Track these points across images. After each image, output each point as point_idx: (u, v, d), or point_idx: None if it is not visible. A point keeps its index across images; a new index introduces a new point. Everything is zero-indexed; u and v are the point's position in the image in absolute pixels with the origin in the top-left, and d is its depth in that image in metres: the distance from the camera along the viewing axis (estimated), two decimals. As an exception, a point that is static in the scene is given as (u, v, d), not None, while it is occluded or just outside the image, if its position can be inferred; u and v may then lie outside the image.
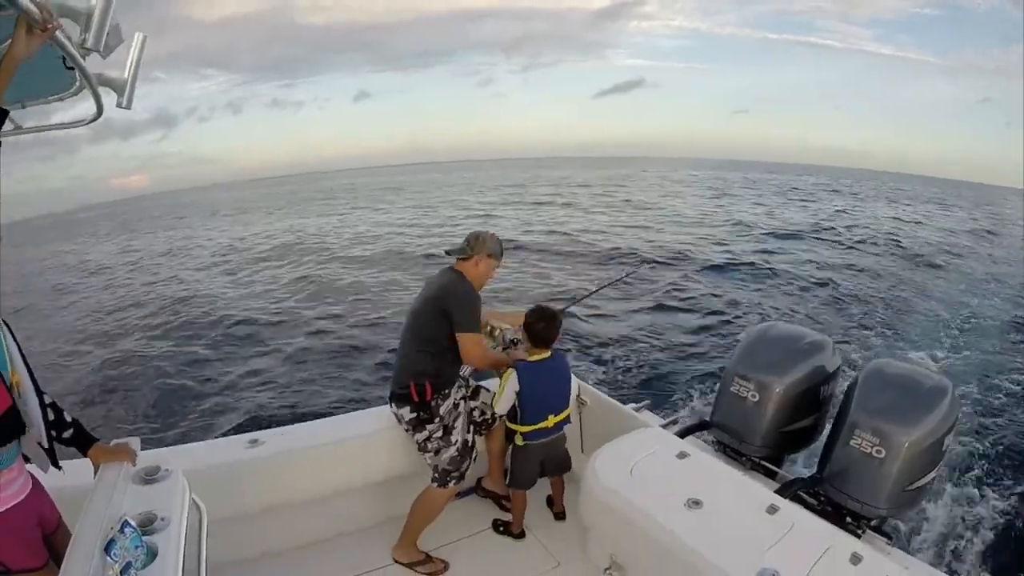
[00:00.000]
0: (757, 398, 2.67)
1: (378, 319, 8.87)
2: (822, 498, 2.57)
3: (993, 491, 4.65)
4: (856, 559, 1.88)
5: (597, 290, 4.73)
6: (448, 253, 2.74)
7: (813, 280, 11.56)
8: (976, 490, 4.64)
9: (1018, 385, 6.60)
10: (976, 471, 4.92)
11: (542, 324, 2.60)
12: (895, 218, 26.46)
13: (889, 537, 2.52)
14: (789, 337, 2.85)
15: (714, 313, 8.83)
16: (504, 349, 2.93)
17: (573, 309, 4.45)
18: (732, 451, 2.86)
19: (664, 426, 3.02)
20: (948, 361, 7.35)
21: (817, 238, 18.54)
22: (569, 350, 6.69)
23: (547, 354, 2.66)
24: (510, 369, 2.61)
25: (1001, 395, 6.38)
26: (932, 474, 2.43)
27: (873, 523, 2.49)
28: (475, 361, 2.66)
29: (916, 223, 25.22)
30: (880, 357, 2.86)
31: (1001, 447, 5.27)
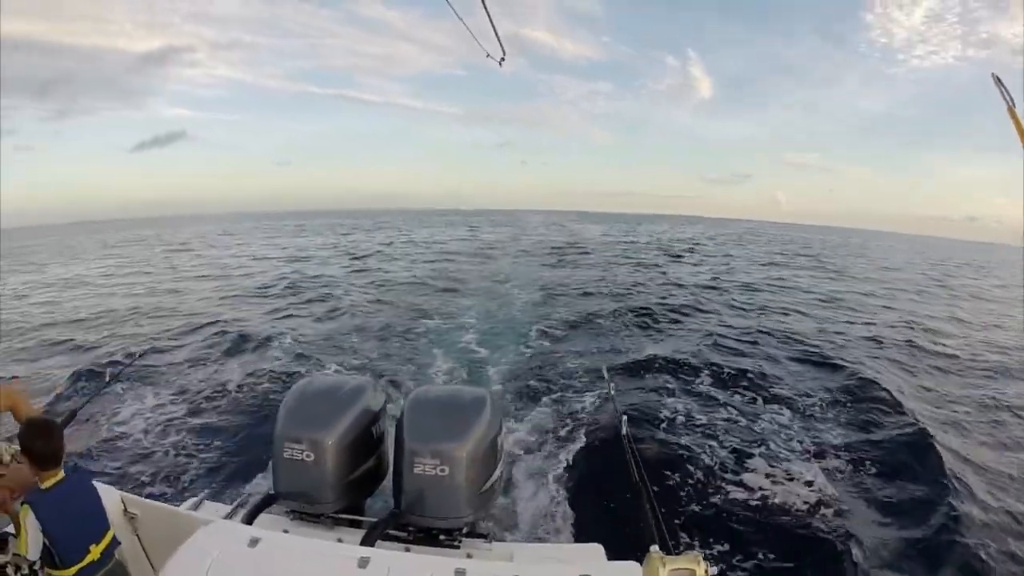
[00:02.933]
0: (313, 457, 2.52)
1: None
2: (410, 529, 2.57)
3: (554, 462, 5.61)
4: (460, 572, 1.90)
5: (106, 385, 3.86)
6: None
7: (342, 322, 11.70)
8: (543, 463, 5.54)
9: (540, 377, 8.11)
10: (543, 451, 5.80)
11: (40, 442, 2.16)
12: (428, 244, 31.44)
13: (485, 536, 2.68)
14: (328, 389, 2.80)
15: (245, 380, 7.87)
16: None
17: (83, 413, 3.54)
18: (308, 516, 2.65)
19: (229, 515, 2.65)
20: (485, 367, 8.62)
21: (354, 273, 19.60)
22: (94, 461, 5.39)
23: (60, 475, 2.17)
24: (24, 505, 2.09)
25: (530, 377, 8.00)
26: (497, 471, 2.71)
27: (465, 531, 2.64)
28: None
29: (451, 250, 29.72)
30: (420, 384, 3.13)
31: (550, 425, 6.38)
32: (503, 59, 3.33)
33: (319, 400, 2.72)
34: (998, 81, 1.86)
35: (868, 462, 5.73)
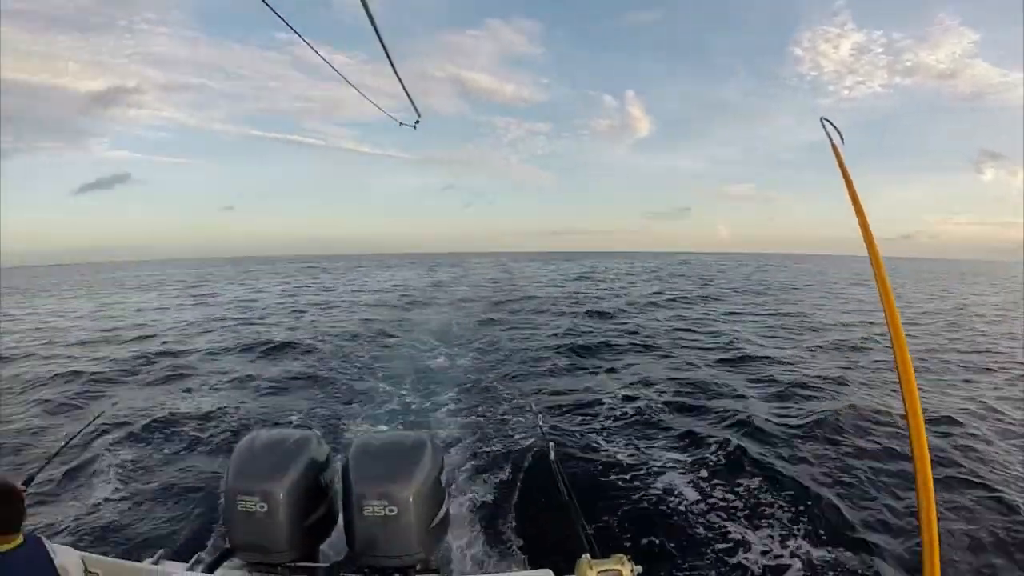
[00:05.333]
0: (265, 508, 2.59)
1: None
2: (365, 570, 2.68)
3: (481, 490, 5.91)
4: None
5: (62, 448, 3.79)
6: None
7: (281, 375, 11.30)
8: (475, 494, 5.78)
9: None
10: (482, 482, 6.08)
11: None
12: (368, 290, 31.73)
13: (437, 571, 2.81)
14: (274, 442, 2.89)
15: (196, 432, 7.88)
16: None
17: (42, 475, 3.48)
18: (264, 567, 2.69)
19: (189, 569, 2.67)
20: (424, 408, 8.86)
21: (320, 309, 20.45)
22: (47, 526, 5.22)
23: (18, 540, 2.10)
24: None
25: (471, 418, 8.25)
26: (443, 508, 2.85)
27: (418, 568, 2.75)
28: None
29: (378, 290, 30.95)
30: (361, 433, 3.23)
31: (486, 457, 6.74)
32: (417, 122, 3.59)
33: (267, 453, 2.80)
34: (824, 122, 2.08)
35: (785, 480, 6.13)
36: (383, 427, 7.94)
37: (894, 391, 9.15)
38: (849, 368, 11.42)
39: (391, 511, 2.59)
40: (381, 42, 2.43)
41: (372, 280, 40.99)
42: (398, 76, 2.88)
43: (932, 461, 1.24)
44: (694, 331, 16.35)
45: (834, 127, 2.05)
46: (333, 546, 3.03)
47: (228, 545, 2.76)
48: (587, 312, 20.49)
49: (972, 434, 7.34)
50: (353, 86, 3.04)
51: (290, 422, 8.15)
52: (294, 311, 22.35)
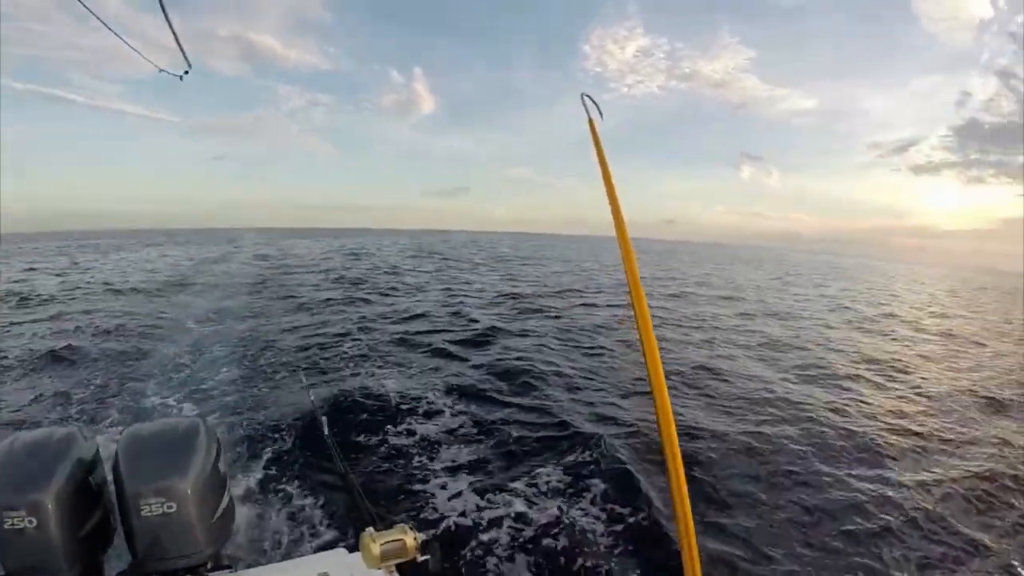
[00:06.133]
0: (35, 522, 2.21)
1: None
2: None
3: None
4: None
5: None
6: None
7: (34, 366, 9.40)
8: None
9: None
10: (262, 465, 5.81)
11: None
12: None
13: (230, 567, 2.67)
14: (34, 444, 2.46)
15: None
16: None
17: None
18: None
19: None
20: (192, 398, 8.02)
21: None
22: None
23: None
24: None
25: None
26: (226, 497, 2.68)
27: (209, 566, 2.57)
28: None
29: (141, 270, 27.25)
30: (130, 424, 2.86)
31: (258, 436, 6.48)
32: (187, 72, 3.19)
33: (27, 459, 2.37)
34: (584, 98, 2.11)
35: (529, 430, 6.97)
36: (150, 416, 7.06)
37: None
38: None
39: (170, 508, 2.36)
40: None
41: (136, 260, 35.12)
42: (166, 16, 2.55)
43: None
44: (451, 301, 17.90)
45: (594, 103, 2.12)
46: (119, 553, 2.71)
47: (2, 573, 2.32)
48: (353, 287, 21.06)
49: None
50: (96, 16, 2.54)
51: (49, 419, 6.96)
52: (50, 296, 18.11)
